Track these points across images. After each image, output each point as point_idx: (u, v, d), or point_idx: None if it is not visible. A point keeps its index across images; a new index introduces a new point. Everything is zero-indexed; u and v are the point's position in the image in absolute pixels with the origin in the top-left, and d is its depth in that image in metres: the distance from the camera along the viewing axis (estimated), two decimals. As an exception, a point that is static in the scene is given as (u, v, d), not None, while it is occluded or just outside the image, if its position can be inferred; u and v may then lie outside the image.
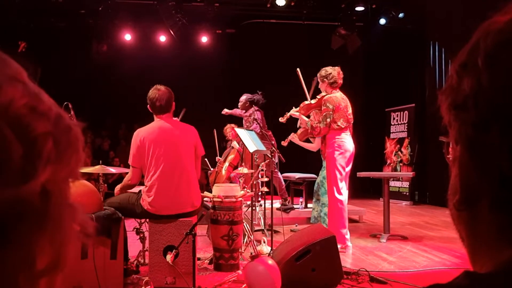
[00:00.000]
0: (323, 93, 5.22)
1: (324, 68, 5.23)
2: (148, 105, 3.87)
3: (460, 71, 0.54)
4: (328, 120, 5.02)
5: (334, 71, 5.15)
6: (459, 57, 0.55)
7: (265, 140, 5.75)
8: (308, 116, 5.43)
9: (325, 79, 5.16)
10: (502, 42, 0.50)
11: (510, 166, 0.48)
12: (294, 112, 5.42)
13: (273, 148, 5.11)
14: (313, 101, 5.28)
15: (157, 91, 3.82)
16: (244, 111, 7.30)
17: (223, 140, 8.24)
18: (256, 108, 6.92)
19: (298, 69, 5.45)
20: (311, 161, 6.97)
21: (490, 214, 0.50)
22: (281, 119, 5.51)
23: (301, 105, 5.36)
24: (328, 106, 5.03)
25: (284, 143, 5.66)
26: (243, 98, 7.15)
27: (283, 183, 7.22)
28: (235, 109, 7.56)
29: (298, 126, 5.60)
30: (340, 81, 5.17)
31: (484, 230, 0.52)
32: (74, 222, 0.47)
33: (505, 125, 0.48)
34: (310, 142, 6.02)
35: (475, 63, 0.51)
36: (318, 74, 5.25)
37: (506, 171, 0.48)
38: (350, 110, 5.15)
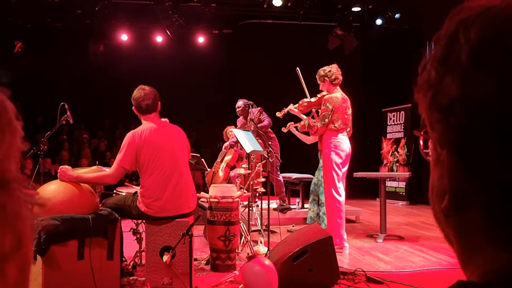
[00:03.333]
0: (323, 92, 5.22)
1: (321, 69, 5.23)
2: (133, 107, 3.79)
3: (439, 66, 0.49)
4: (326, 120, 5.02)
5: (333, 68, 5.16)
6: (434, 50, 0.51)
7: (260, 138, 5.75)
8: (307, 114, 5.43)
9: (326, 78, 5.15)
10: (490, 35, 0.46)
11: (509, 178, 0.45)
12: (292, 108, 5.40)
13: (270, 149, 5.11)
14: (313, 99, 5.27)
15: (142, 91, 3.75)
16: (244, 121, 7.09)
17: (221, 142, 8.22)
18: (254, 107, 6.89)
19: (297, 68, 5.45)
20: (308, 162, 6.98)
21: (484, 223, 0.48)
22: (278, 114, 5.50)
23: (301, 102, 5.35)
24: (328, 106, 5.03)
25: (285, 130, 5.65)
26: (241, 103, 6.99)
27: (283, 187, 7.23)
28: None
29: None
30: (341, 77, 5.18)
31: (475, 237, 0.49)
32: (26, 200, 0.46)
33: (501, 133, 0.44)
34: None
35: (458, 59, 0.47)
36: (316, 75, 5.24)
37: (505, 183, 0.45)
38: (349, 111, 5.16)
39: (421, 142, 0.59)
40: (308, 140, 5.78)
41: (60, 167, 3.55)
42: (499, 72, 0.45)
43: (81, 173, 3.67)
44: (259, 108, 6.36)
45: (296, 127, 5.47)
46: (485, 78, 0.45)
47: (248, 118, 6.58)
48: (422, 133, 0.54)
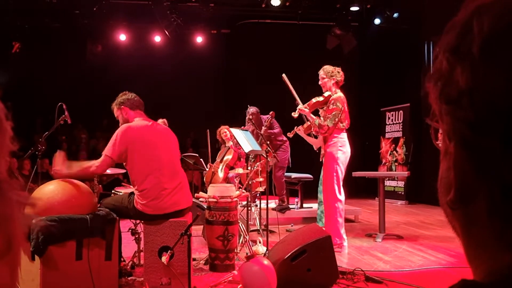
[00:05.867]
0: (328, 92, 5.19)
1: (329, 66, 5.19)
2: (122, 108, 3.81)
3: (451, 57, 0.48)
4: (337, 119, 5.01)
5: (340, 70, 5.16)
6: (447, 38, 0.49)
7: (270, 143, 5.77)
8: (314, 113, 5.38)
9: (333, 76, 5.13)
10: (502, 26, 0.44)
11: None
12: (303, 108, 5.31)
13: (268, 148, 5.10)
14: (320, 99, 5.23)
15: (129, 93, 3.86)
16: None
17: (215, 143, 8.20)
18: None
19: (283, 75, 5.33)
20: (308, 161, 6.98)
21: (489, 218, 0.47)
22: (294, 114, 5.40)
23: (309, 102, 5.28)
24: (338, 105, 5.02)
25: (290, 135, 5.64)
26: (253, 110, 6.88)
27: (285, 189, 7.23)
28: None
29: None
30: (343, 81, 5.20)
31: (481, 231, 0.49)
32: (17, 201, 0.45)
33: (508, 130, 0.43)
34: (312, 136, 5.90)
35: (469, 50, 0.45)
36: (322, 70, 5.19)
37: (508, 179, 0.44)
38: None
39: (432, 133, 0.56)
40: (316, 144, 5.70)
41: (53, 165, 3.54)
42: (508, 66, 0.43)
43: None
44: (271, 112, 6.36)
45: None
46: (494, 72, 0.44)
47: (247, 118, 6.56)
48: (433, 122, 0.53)
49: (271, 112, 6.33)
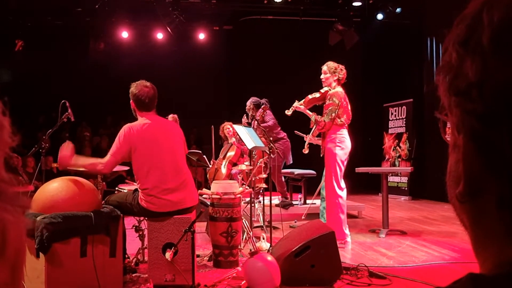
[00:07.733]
0: (326, 88, 5.19)
1: (332, 62, 5.17)
2: (131, 101, 3.79)
3: (460, 49, 0.48)
4: (333, 114, 5.00)
5: (344, 69, 5.13)
6: (457, 30, 0.49)
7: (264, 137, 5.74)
8: (311, 110, 5.38)
9: (335, 73, 5.12)
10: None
11: None
12: (298, 105, 5.32)
13: (271, 144, 5.10)
14: (317, 95, 5.23)
15: (144, 88, 3.74)
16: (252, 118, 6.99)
17: (219, 139, 8.21)
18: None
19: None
20: (311, 157, 6.97)
21: (498, 211, 0.47)
22: (287, 112, 5.40)
23: (305, 99, 5.29)
24: (334, 100, 5.01)
25: (305, 151, 5.53)
26: (248, 102, 6.92)
27: (285, 186, 7.23)
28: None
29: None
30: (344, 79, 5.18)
31: (489, 224, 0.49)
32: (11, 203, 0.45)
33: None
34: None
35: (479, 42, 0.45)
36: (326, 66, 5.18)
37: None
38: (349, 107, 5.16)
39: (441, 126, 0.56)
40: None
41: (60, 152, 3.52)
42: None
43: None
44: (262, 106, 6.32)
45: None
46: (504, 64, 0.44)
47: (250, 114, 6.56)
48: (442, 115, 0.53)
49: (263, 106, 6.30)
